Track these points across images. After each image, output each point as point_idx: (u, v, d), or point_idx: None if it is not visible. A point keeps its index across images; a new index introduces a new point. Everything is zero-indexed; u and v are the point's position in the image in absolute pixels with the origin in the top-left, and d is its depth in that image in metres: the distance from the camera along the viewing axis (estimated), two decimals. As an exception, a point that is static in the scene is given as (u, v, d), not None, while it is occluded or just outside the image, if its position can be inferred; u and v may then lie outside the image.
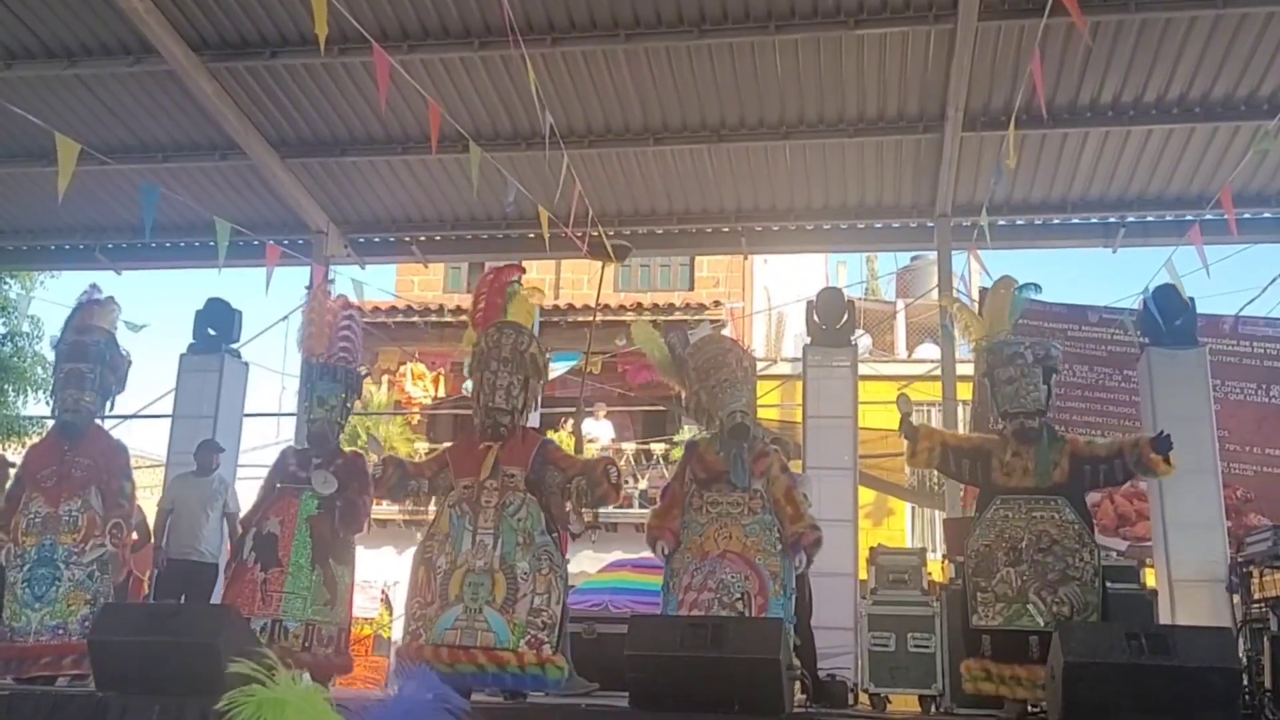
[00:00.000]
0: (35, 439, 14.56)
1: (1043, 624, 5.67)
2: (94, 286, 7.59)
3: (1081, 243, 11.42)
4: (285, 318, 13.12)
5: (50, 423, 7.65)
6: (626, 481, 15.32)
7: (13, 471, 7.84)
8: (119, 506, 6.94)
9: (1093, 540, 5.88)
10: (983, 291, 10.15)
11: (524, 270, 6.87)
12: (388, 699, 2.28)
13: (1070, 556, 5.79)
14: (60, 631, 6.48)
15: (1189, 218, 9.89)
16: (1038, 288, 6.66)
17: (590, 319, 13.68)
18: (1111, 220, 10.77)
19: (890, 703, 6.83)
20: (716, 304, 16.95)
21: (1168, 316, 7.85)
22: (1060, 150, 9.93)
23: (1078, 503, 5.98)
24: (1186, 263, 8.88)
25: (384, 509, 13.37)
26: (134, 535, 7.41)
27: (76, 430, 6.96)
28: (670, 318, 15.93)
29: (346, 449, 6.94)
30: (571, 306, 17.03)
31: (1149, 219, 10.70)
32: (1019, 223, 10.84)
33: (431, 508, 6.37)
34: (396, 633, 16.07)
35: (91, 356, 7.07)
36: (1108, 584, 6.38)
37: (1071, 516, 5.88)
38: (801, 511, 6.01)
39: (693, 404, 6.38)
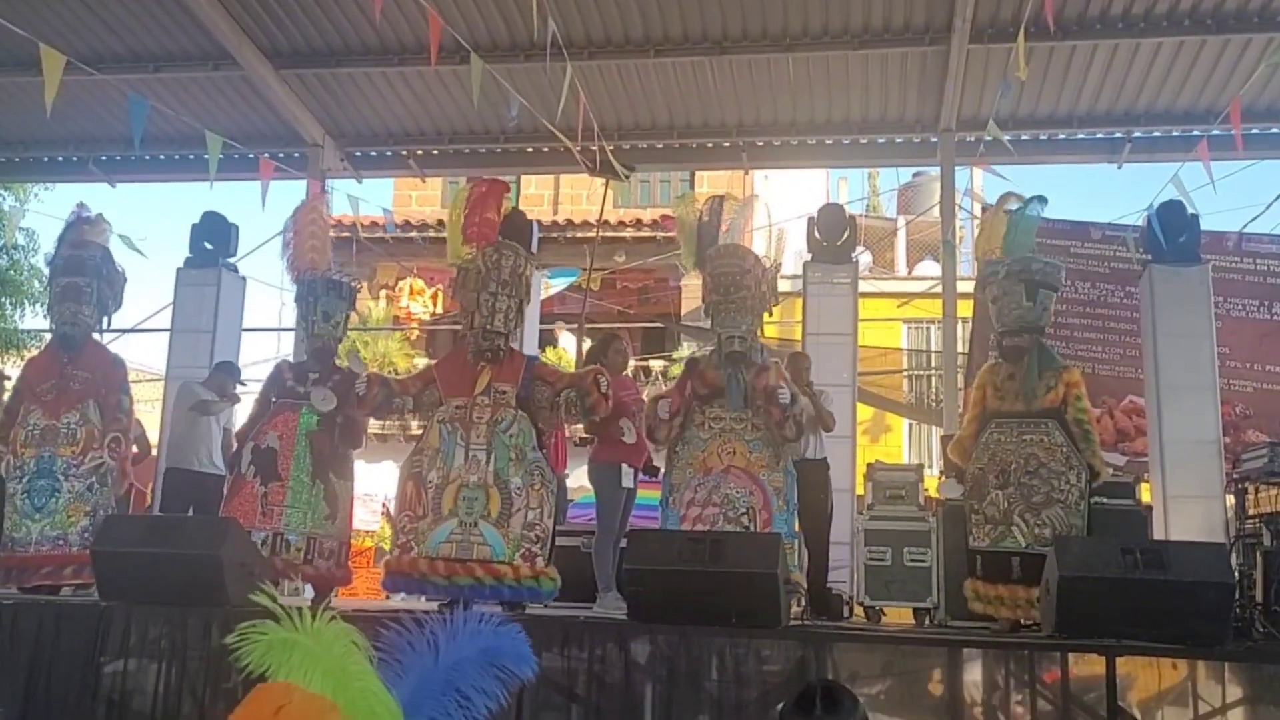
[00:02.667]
0: (33, 352, 14.59)
1: (1024, 545, 5.74)
2: (82, 205, 7.52)
3: (1086, 158, 11.31)
4: (282, 231, 13.04)
5: (48, 337, 7.62)
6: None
7: (9, 384, 7.85)
8: (117, 421, 6.97)
9: (1080, 463, 5.87)
10: (988, 208, 10.09)
11: (509, 187, 6.78)
12: (434, 646, 2.24)
13: (1056, 479, 5.82)
14: (61, 542, 6.56)
15: (1196, 133, 9.75)
16: (1043, 201, 6.55)
17: (590, 235, 13.62)
18: (1118, 136, 10.62)
19: (885, 615, 6.93)
20: (717, 220, 16.79)
21: (1171, 233, 7.79)
22: (1068, 64, 9.75)
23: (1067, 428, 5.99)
24: (1191, 179, 8.81)
25: (389, 424, 13.46)
26: (134, 449, 7.46)
27: (75, 343, 6.97)
28: (670, 234, 15.81)
29: (340, 365, 6.95)
30: (570, 222, 16.92)
31: (1155, 134, 10.57)
32: (1024, 138, 10.69)
33: (415, 423, 6.40)
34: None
35: (88, 270, 7.04)
36: (1103, 499, 6.43)
37: (1060, 439, 5.88)
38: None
39: (705, 304, 6.42)
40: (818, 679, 2.37)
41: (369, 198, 23.10)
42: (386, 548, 15.51)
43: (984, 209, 9.89)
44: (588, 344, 14.03)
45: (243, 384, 8.25)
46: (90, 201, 7.53)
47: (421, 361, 16.46)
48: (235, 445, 6.81)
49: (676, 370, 16.00)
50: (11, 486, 6.67)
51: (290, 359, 7.07)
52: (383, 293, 17.86)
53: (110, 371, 7.06)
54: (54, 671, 5.39)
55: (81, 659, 5.40)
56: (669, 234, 15.79)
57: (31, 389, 6.90)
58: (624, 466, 6.82)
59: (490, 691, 2.25)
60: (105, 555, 5.72)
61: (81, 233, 7.25)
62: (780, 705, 5.09)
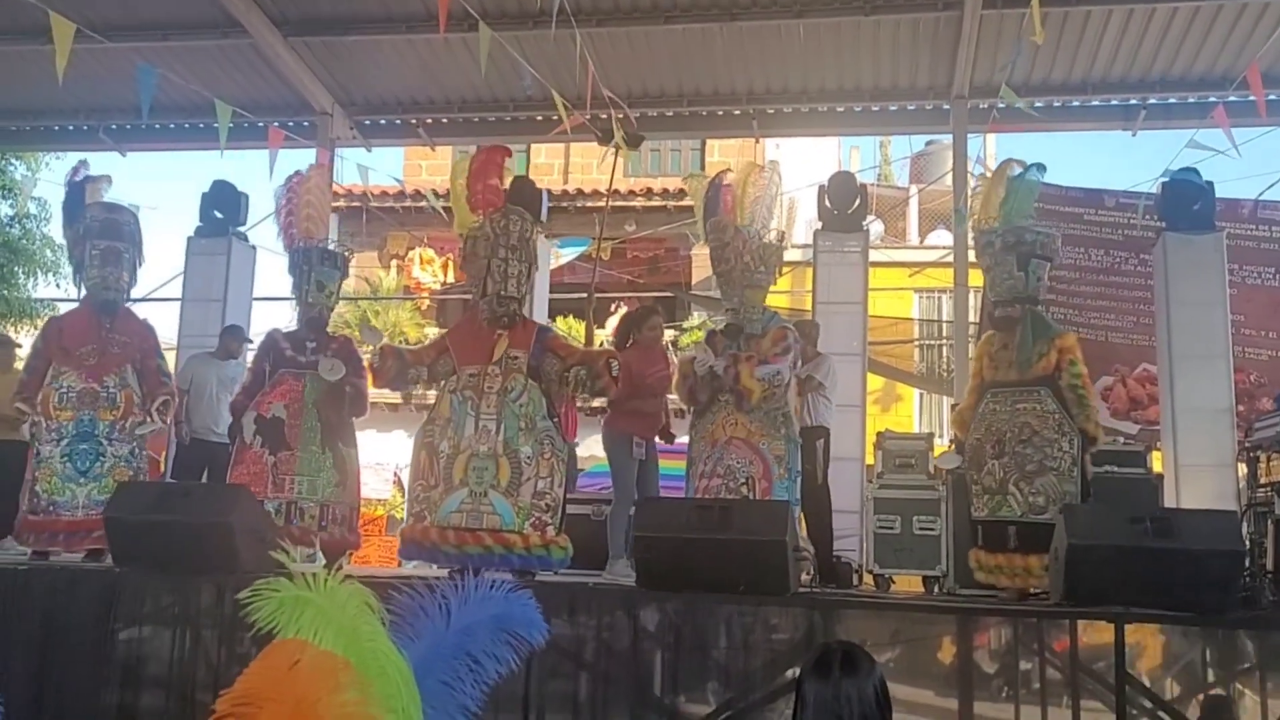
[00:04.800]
0: (42, 320, 14.64)
1: (1019, 514, 5.75)
2: (83, 163, 7.51)
3: (1100, 125, 11.19)
4: (275, 201, 13.03)
5: (63, 305, 7.63)
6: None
7: (20, 352, 7.88)
8: (163, 385, 7.04)
9: (1073, 429, 5.84)
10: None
11: (509, 152, 6.76)
12: (446, 611, 2.25)
13: (1048, 447, 5.81)
14: None
15: (1212, 99, 9.64)
16: (1042, 168, 6.48)
17: (600, 204, 13.57)
18: (1132, 102, 10.51)
19: (894, 583, 6.95)
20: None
21: (1185, 201, 7.73)
22: (1083, 29, 9.63)
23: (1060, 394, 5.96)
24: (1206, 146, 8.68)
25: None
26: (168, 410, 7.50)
27: (116, 308, 7.00)
28: (680, 203, 15.76)
29: (335, 334, 6.99)
30: (580, 191, 16.84)
31: (1171, 100, 10.44)
32: (1037, 105, 10.57)
33: (430, 393, 6.42)
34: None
35: (125, 235, 7.08)
36: (1113, 468, 6.42)
37: (1053, 407, 5.86)
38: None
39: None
40: (836, 642, 2.37)
41: (378, 167, 23.00)
42: (399, 516, 15.63)
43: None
44: (612, 320, 14.03)
45: (249, 341, 8.32)
46: (98, 170, 7.51)
47: (432, 331, 16.47)
48: (233, 414, 6.83)
49: (686, 340, 16.00)
50: (46, 449, 6.63)
51: (279, 327, 7.06)
52: (394, 262, 17.84)
53: (147, 337, 7.10)
54: (69, 637, 5.45)
55: (95, 625, 5.46)
56: (679, 203, 15.74)
57: (66, 351, 6.80)
58: (633, 439, 6.84)
59: (501, 656, 2.26)
60: (118, 522, 5.77)
61: (97, 193, 7.24)
62: (791, 669, 5.16)
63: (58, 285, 15.42)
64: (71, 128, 12.22)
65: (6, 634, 5.43)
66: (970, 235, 6.79)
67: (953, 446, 6.98)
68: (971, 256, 10.17)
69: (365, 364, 6.57)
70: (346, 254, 7.05)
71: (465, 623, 2.24)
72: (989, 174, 10.05)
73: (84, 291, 7.12)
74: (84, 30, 7.56)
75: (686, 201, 16.02)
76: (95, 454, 6.69)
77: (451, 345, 6.28)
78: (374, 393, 6.96)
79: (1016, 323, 6.06)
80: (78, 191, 7.20)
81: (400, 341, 14.21)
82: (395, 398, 7.01)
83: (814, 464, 6.80)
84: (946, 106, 10.53)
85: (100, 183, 7.26)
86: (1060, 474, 5.75)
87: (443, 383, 6.15)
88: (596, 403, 8.01)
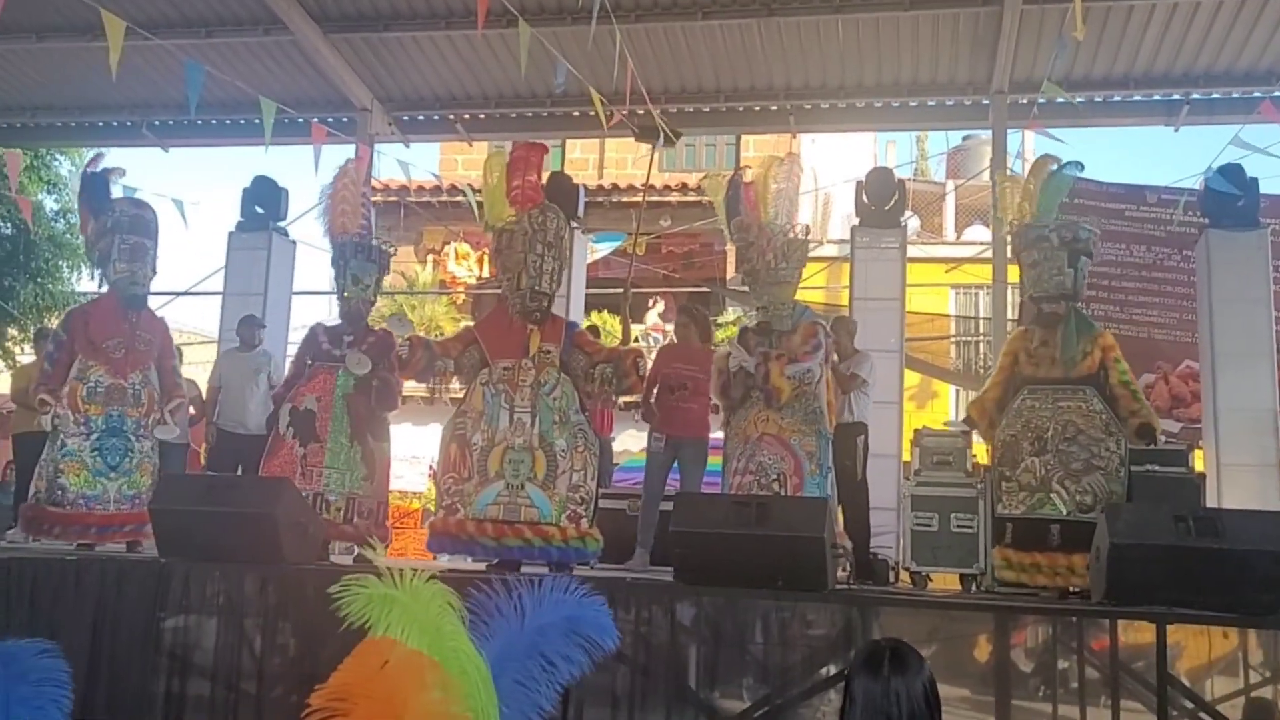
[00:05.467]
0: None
1: (1065, 513, 5.70)
2: (100, 154, 7.57)
3: (1142, 121, 11.10)
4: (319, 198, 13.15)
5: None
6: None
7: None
8: (177, 386, 7.12)
9: (1120, 430, 5.84)
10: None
11: (547, 149, 6.80)
12: (520, 610, 2.28)
13: (1095, 446, 5.79)
14: (137, 501, 6.65)
15: (1257, 94, 9.53)
16: (1080, 166, 6.45)
17: (636, 199, 13.58)
18: (1175, 97, 10.39)
19: (931, 581, 6.92)
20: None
21: (1229, 197, 7.66)
22: (1125, 23, 9.54)
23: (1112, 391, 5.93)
24: (1251, 142, 8.58)
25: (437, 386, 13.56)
26: (190, 410, 7.60)
27: (143, 305, 7.06)
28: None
29: (376, 327, 7.02)
30: (616, 186, 16.87)
31: (1214, 96, 10.32)
32: (1078, 100, 10.48)
33: (454, 385, 6.47)
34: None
35: (151, 232, 7.12)
36: (1155, 467, 6.37)
37: (1099, 406, 5.84)
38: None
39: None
40: (885, 639, 2.37)
41: (415, 162, 23.18)
42: (434, 509, 15.74)
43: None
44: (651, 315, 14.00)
45: (264, 327, 8.46)
46: (142, 165, 7.64)
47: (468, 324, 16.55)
48: (273, 406, 6.92)
49: (720, 335, 15.98)
50: (74, 443, 6.64)
51: (322, 322, 7.13)
52: (430, 257, 17.94)
53: (166, 335, 7.18)
54: (118, 626, 5.54)
55: (143, 614, 5.54)
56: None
57: (93, 344, 6.79)
58: (651, 433, 6.98)
59: (575, 659, 2.28)
60: (164, 513, 5.85)
61: (117, 186, 7.29)
62: (828, 666, 5.17)
63: (92, 276, 15.64)
64: (115, 123, 12.39)
65: (59, 624, 5.52)
66: (1007, 229, 6.69)
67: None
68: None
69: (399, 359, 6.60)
70: (387, 248, 7.05)
71: (539, 624, 2.27)
72: (1027, 170, 9.99)
73: (104, 284, 7.16)
74: (130, 27, 7.65)
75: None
76: (124, 449, 6.73)
77: (481, 338, 6.31)
78: (410, 386, 7.02)
79: (1060, 320, 6.02)
80: (102, 183, 7.19)
81: (436, 336, 14.30)
82: (431, 391, 7.13)
83: (854, 460, 6.80)
84: (986, 102, 10.45)
85: (116, 174, 7.32)
86: (1107, 473, 5.72)
87: (473, 376, 6.19)
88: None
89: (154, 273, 7.19)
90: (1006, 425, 6.05)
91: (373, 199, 7.21)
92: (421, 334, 9.57)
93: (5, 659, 2.49)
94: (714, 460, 7.06)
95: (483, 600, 2.26)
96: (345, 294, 6.81)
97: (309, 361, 6.71)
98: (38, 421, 6.86)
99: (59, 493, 6.56)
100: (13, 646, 2.53)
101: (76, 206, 7.20)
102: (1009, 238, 6.61)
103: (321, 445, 6.45)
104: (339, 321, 6.97)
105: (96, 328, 6.85)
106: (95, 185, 7.19)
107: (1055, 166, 6.41)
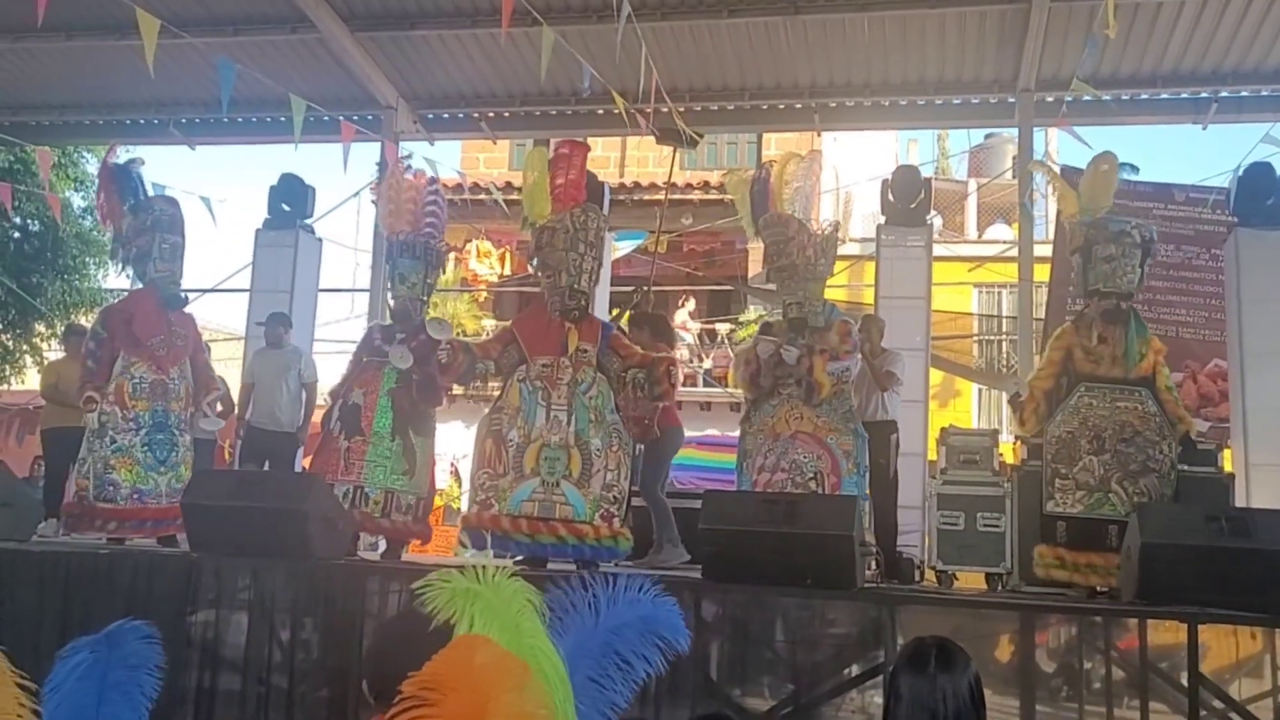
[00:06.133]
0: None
1: (1123, 513, 5.67)
2: (114, 148, 7.63)
3: (1170, 119, 10.97)
4: (357, 194, 13.24)
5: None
6: (691, 361, 15.43)
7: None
8: (213, 380, 7.26)
9: (1172, 434, 5.87)
10: (1065, 169, 9.88)
11: (589, 148, 6.82)
12: (595, 609, 2.29)
13: (1151, 448, 5.81)
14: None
15: (1287, 93, 9.46)
16: (1134, 168, 6.46)
17: (657, 198, 13.60)
18: (1204, 95, 10.31)
19: (957, 579, 6.91)
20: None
21: (1259, 195, 7.61)
22: (1154, 20, 9.47)
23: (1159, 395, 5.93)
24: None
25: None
26: (219, 406, 7.67)
27: (182, 304, 7.19)
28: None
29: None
30: (638, 185, 16.87)
31: (1243, 93, 10.24)
32: (1105, 98, 10.42)
33: (491, 385, 6.51)
34: (465, 504, 16.53)
35: (183, 231, 7.23)
36: (1184, 466, 6.34)
37: (1154, 409, 5.86)
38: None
39: (765, 271, 6.53)
40: (931, 637, 2.37)
41: (437, 159, 23.18)
42: (456, 507, 15.80)
43: (1063, 169, 9.72)
44: (680, 313, 13.96)
45: (289, 323, 8.42)
46: (169, 163, 7.71)
47: (490, 323, 16.59)
48: (316, 398, 7.01)
49: (742, 334, 15.97)
50: (123, 439, 6.76)
51: (379, 321, 7.22)
52: (451, 255, 17.98)
53: (197, 331, 7.33)
54: (150, 618, 5.56)
55: (174, 608, 5.59)
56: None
57: (136, 341, 6.92)
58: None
59: (649, 658, 2.29)
60: (195, 508, 5.91)
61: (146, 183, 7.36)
62: (855, 664, 5.16)
63: (131, 269, 15.73)
64: (142, 121, 12.47)
65: (91, 617, 5.57)
66: (1053, 227, 6.59)
67: (1020, 443, 6.92)
68: (1039, 251, 10.09)
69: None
70: (433, 245, 7.03)
71: (614, 622, 2.27)
72: (1054, 168, 9.94)
73: (137, 280, 7.28)
74: (164, 25, 7.70)
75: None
76: (170, 444, 6.88)
77: (519, 335, 6.34)
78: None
79: (1125, 318, 6.00)
80: (131, 175, 7.27)
81: (458, 333, 14.34)
82: (454, 389, 7.19)
83: (887, 458, 6.80)
84: (1011, 100, 10.40)
85: (137, 165, 7.40)
86: (1161, 476, 5.76)
87: (512, 373, 6.22)
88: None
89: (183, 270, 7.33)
90: (1063, 421, 5.99)
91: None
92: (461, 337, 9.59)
93: (110, 641, 2.55)
94: (713, 456, 7.08)
95: (557, 597, 2.26)
96: (394, 293, 6.87)
97: (363, 359, 6.79)
98: (84, 419, 6.92)
99: (110, 488, 6.67)
100: (118, 629, 2.59)
101: (99, 198, 7.22)
102: (1070, 229, 6.44)
103: (365, 439, 6.52)
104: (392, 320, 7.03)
105: (140, 325, 6.98)
106: (125, 178, 7.27)
107: (1106, 166, 6.37)
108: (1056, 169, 9.87)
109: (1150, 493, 5.72)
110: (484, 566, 2.04)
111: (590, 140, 18.05)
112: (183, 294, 7.22)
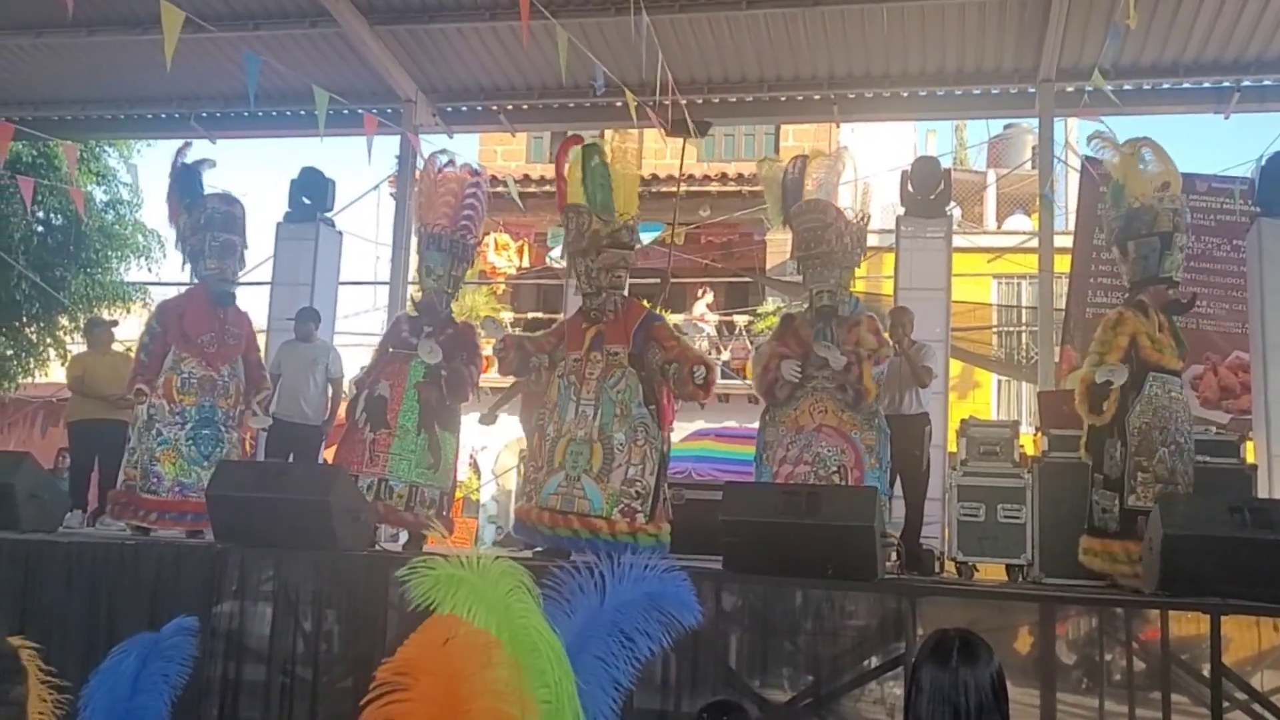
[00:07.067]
0: (138, 306, 15.07)
1: None
2: (188, 145, 7.68)
3: (1192, 108, 10.88)
4: (376, 187, 13.29)
5: (161, 291, 7.83)
6: (709, 353, 15.44)
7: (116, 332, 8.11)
8: (263, 378, 7.35)
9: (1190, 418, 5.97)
10: (1085, 159, 9.84)
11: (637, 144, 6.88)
12: (601, 588, 2.32)
13: (1191, 441, 5.93)
14: None
15: (1310, 82, 9.37)
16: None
17: (673, 189, 13.59)
18: (1226, 84, 10.23)
19: (977, 571, 6.90)
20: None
21: (1282, 186, 7.56)
22: (1176, 9, 9.40)
23: None
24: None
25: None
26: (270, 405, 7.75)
27: (232, 301, 7.25)
28: (755, 188, 15.69)
29: (459, 320, 7.08)
30: (655, 177, 16.83)
31: (1266, 82, 10.15)
32: (1126, 88, 10.36)
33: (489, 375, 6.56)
34: (484, 496, 16.60)
35: (240, 229, 7.28)
36: (1206, 458, 6.33)
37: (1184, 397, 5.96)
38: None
39: (794, 259, 6.58)
40: (954, 629, 2.37)
41: (456, 152, 23.21)
42: (475, 498, 15.86)
43: (1083, 160, 9.68)
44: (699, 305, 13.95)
45: (318, 319, 8.46)
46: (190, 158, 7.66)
47: (508, 315, 16.64)
48: (343, 393, 7.05)
49: (761, 326, 15.97)
50: (170, 432, 6.86)
51: (405, 312, 7.25)
52: (470, 247, 18.04)
53: (251, 330, 7.42)
54: (174, 610, 5.62)
55: (199, 599, 5.64)
56: (753, 188, 15.67)
57: (187, 337, 7.03)
58: None
59: (654, 634, 2.31)
60: (219, 499, 5.95)
61: (205, 180, 7.40)
62: (875, 655, 5.17)
63: (149, 269, 15.86)
64: (164, 115, 12.52)
65: (117, 608, 5.65)
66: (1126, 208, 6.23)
67: (1041, 434, 6.89)
68: (1060, 241, 10.04)
69: (481, 352, 6.69)
70: (460, 238, 7.00)
71: (620, 600, 2.29)
72: (1073, 159, 9.86)
73: (193, 278, 7.33)
74: (188, 17, 7.74)
75: (760, 186, 15.98)
76: (216, 439, 6.96)
77: (566, 332, 6.39)
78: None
79: (1183, 309, 6.09)
80: (195, 176, 7.33)
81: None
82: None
83: (921, 450, 6.80)
84: (1031, 90, 10.34)
85: (206, 165, 7.44)
86: (1190, 463, 5.85)
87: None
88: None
89: (242, 265, 7.40)
90: (1140, 412, 5.85)
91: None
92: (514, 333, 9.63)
93: (147, 644, 2.60)
94: (731, 448, 7.07)
95: (564, 578, 2.29)
96: (423, 285, 6.91)
97: (389, 350, 6.82)
98: (134, 412, 7.03)
99: (154, 480, 6.78)
100: (170, 627, 2.65)
101: (167, 197, 7.32)
102: (1143, 211, 6.12)
103: (390, 431, 6.57)
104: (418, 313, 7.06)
105: (191, 322, 7.08)
106: (189, 178, 7.35)
107: (1151, 151, 6.29)
108: (1071, 163, 9.81)
109: (1185, 481, 5.77)
110: (470, 552, 2.07)
111: (606, 132, 18.12)
112: (231, 290, 7.24)
